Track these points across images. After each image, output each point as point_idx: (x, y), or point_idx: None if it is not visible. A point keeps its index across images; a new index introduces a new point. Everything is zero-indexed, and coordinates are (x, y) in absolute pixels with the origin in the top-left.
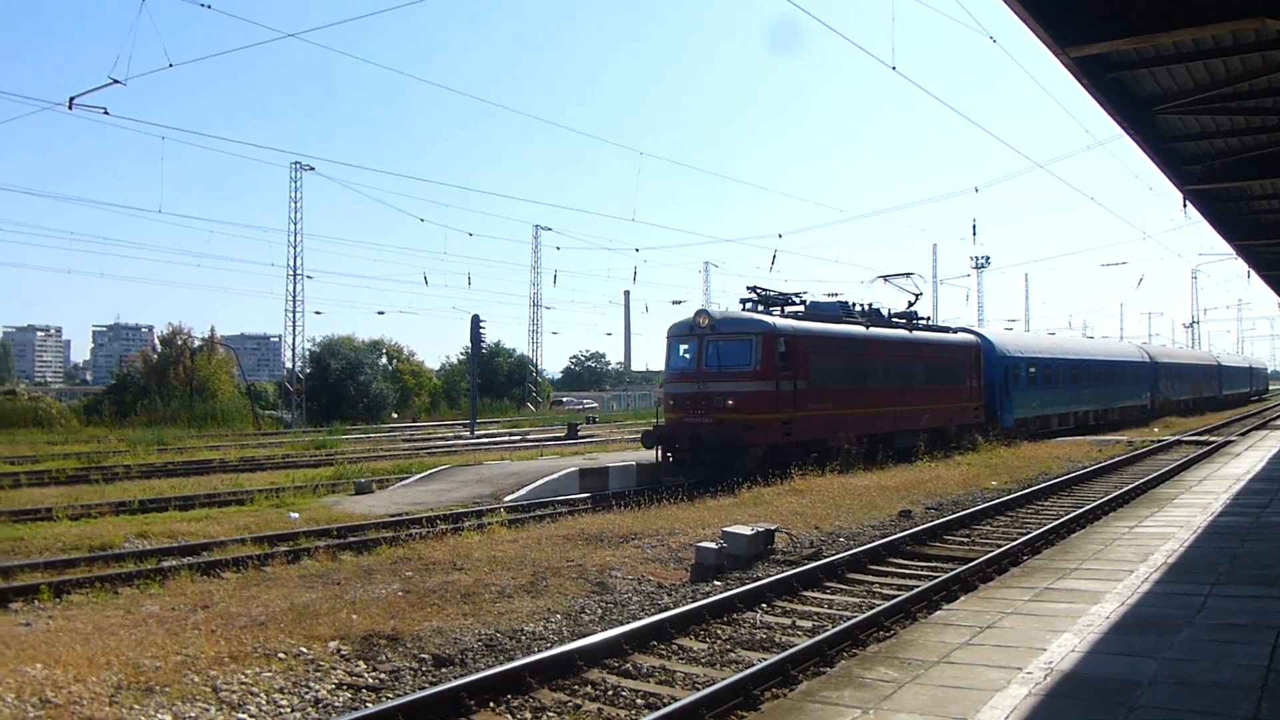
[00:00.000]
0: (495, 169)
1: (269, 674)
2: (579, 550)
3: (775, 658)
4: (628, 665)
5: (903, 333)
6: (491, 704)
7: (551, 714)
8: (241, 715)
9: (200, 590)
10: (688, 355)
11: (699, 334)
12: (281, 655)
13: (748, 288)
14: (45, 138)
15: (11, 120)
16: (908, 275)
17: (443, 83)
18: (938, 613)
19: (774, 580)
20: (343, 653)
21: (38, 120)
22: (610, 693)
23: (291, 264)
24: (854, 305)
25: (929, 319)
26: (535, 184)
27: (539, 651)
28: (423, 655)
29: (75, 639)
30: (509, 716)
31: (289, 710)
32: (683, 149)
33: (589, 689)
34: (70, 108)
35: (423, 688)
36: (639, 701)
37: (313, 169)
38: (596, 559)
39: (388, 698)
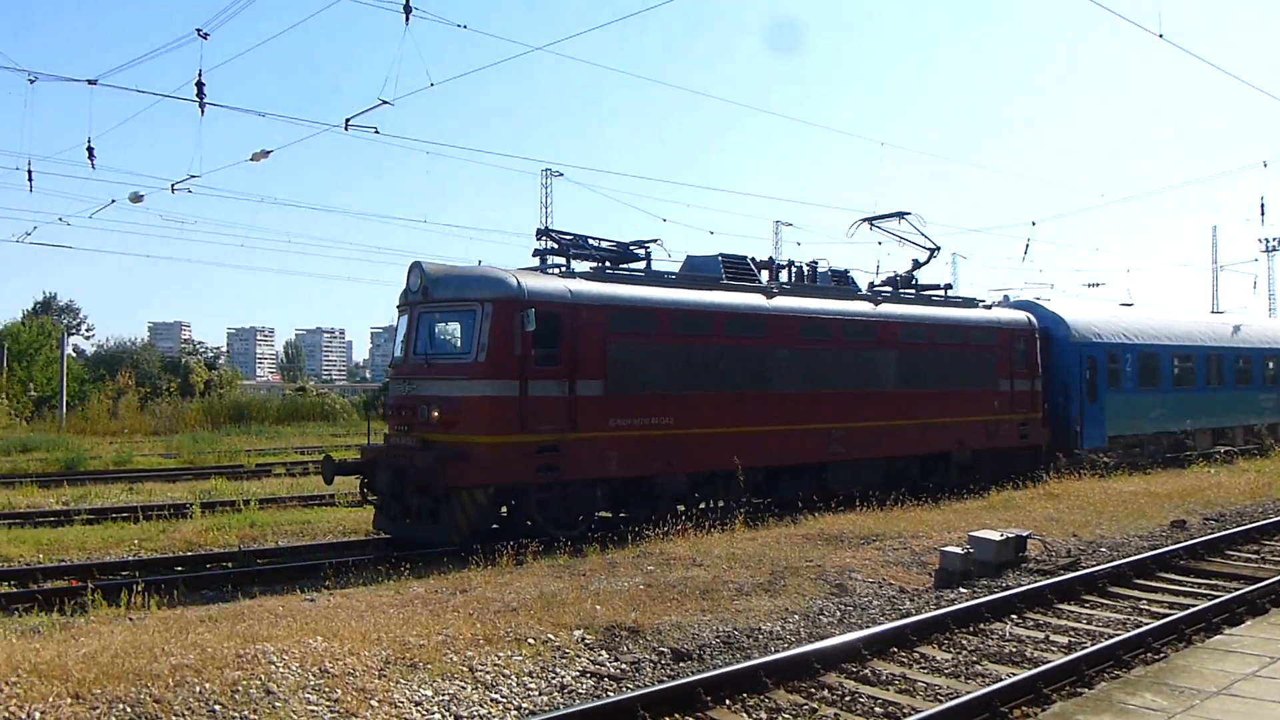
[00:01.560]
0: (739, 167)
1: (519, 658)
2: (818, 550)
3: (1026, 674)
4: (866, 671)
5: (857, 306)
6: (727, 701)
7: (786, 715)
8: (495, 695)
9: (459, 576)
10: (400, 338)
11: (412, 303)
12: (531, 640)
13: (537, 231)
14: (323, 157)
15: (296, 142)
16: (900, 217)
17: (689, 86)
18: (1217, 637)
19: (1026, 590)
20: (587, 641)
21: (318, 141)
22: (847, 698)
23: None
24: (804, 267)
25: (949, 287)
26: (776, 180)
27: (776, 651)
28: (662, 648)
29: (351, 615)
30: (744, 715)
31: (537, 693)
32: (923, 135)
33: (825, 693)
34: (346, 129)
35: (661, 680)
36: (877, 710)
37: (561, 174)
38: (836, 560)
39: (628, 688)
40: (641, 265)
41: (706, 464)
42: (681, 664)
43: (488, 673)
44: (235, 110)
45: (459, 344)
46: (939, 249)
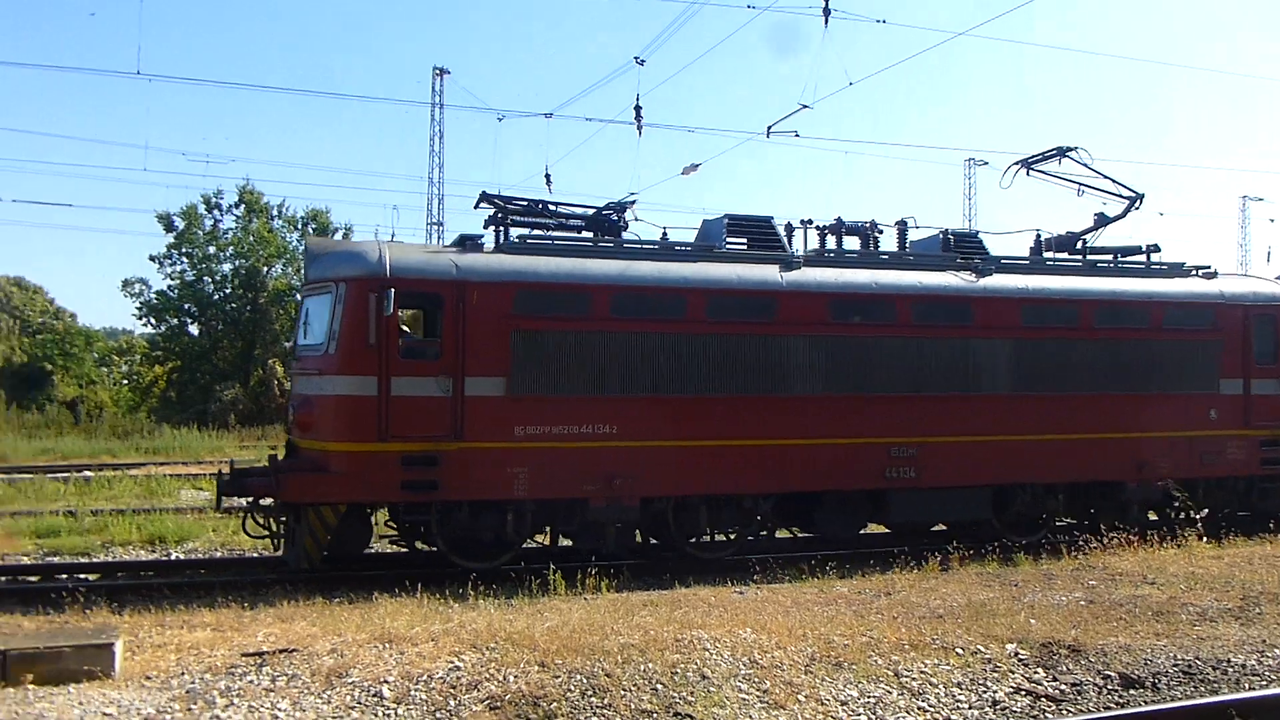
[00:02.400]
0: (1192, 135)
1: (947, 667)
2: None
3: None
4: None
5: (935, 279)
6: None
7: None
8: (921, 703)
9: (884, 578)
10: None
11: (300, 286)
12: (959, 650)
13: (481, 195)
14: (747, 165)
15: (722, 153)
16: (1060, 154)
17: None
18: None
19: None
20: (1020, 656)
21: (742, 150)
22: None
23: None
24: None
25: (1154, 249)
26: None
27: (1252, 689)
28: (1108, 671)
29: (778, 610)
30: None
31: (966, 706)
32: None
33: None
34: (768, 135)
35: (1108, 707)
36: None
37: (986, 163)
38: None
39: (1069, 711)
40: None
41: (675, 487)
42: (1131, 691)
43: (914, 679)
44: (668, 128)
45: (319, 333)
46: (1140, 197)
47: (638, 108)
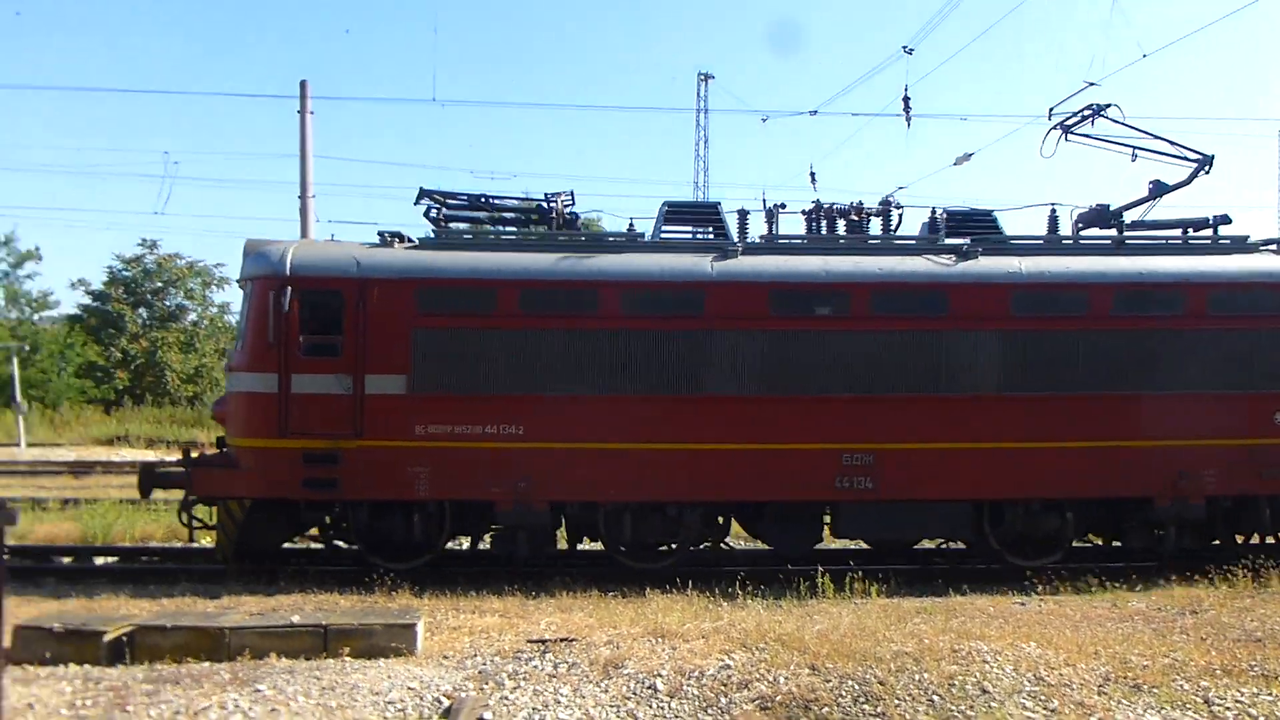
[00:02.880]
0: None
1: (1269, 697)
2: None
3: None
4: None
5: (901, 265)
6: None
7: None
8: None
9: (1187, 593)
10: None
11: None
12: None
13: (419, 191)
14: (1026, 152)
15: (997, 141)
16: (1094, 114)
17: None
18: None
19: None
20: None
21: (1024, 133)
22: None
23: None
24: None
25: (1222, 222)
26: None
27: None
28: None
29: (1064, 624)
30: None
31: None
32: None
33: None
34: (1049, 118)
35: None
36: None
37: None
38: None
39: None
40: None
41: (588, 492)
42: None
43: (1228, 709)
44: (938, 117)
45: (238, 332)
46: (1208, 160)
47: (906, 98)
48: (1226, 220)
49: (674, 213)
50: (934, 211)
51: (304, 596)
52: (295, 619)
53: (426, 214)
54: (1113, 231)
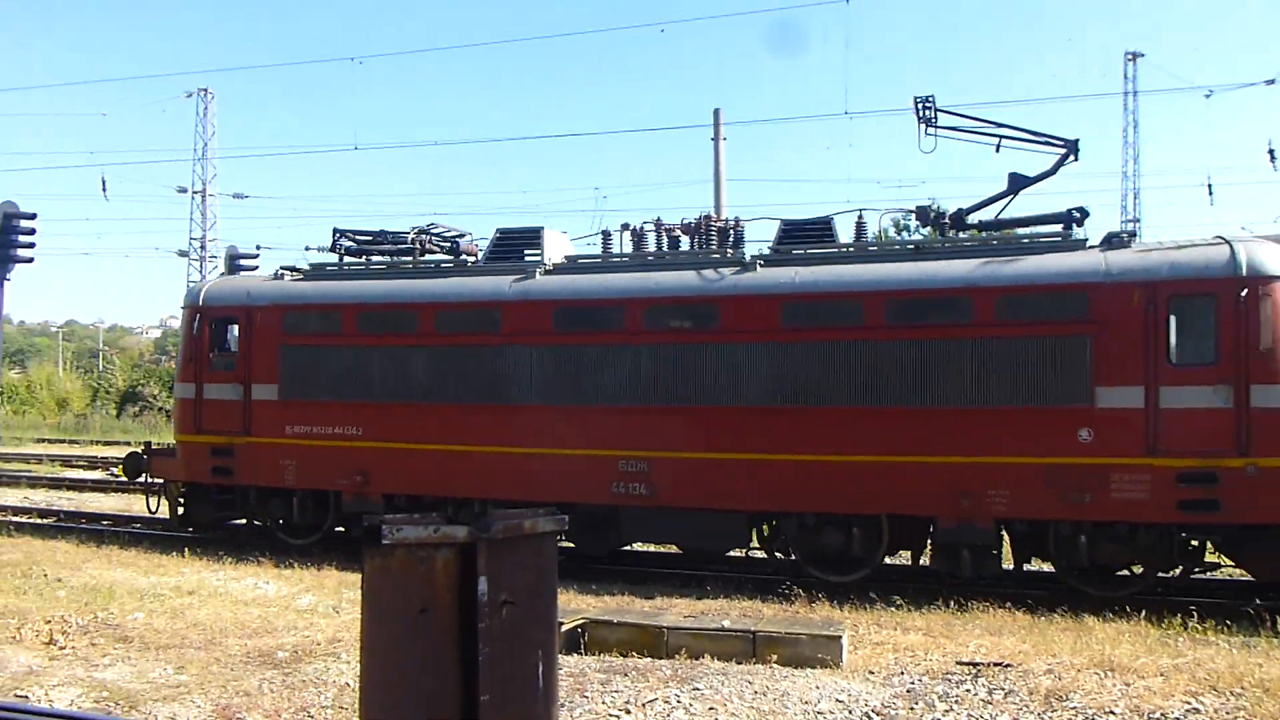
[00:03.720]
0: None
1: None
2: None
3: None
4: None
5: (682, 279)
6: None
7: None
8: None
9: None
10: None
11: None
12: None
13: (333, 231)
14: None
15: None
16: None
17: None
18: None
19: None
20: None
21: None
22: None
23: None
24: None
25: (1075, 219)
26: None
27: None
28: None
29: None
30: None
31: None
32: None
33: None
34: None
35: None
36: None
37: None
38: None
39: None
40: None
41: (412, 487)
42: None
43: None
44: None
45: None
46: (1073, 146)
47: None
48: (1082, 215)
49: (501, 240)
50: (714, 221)
51: (729, 602)
52: (726, 623)
53: (333, 248)
54: (960, 233)
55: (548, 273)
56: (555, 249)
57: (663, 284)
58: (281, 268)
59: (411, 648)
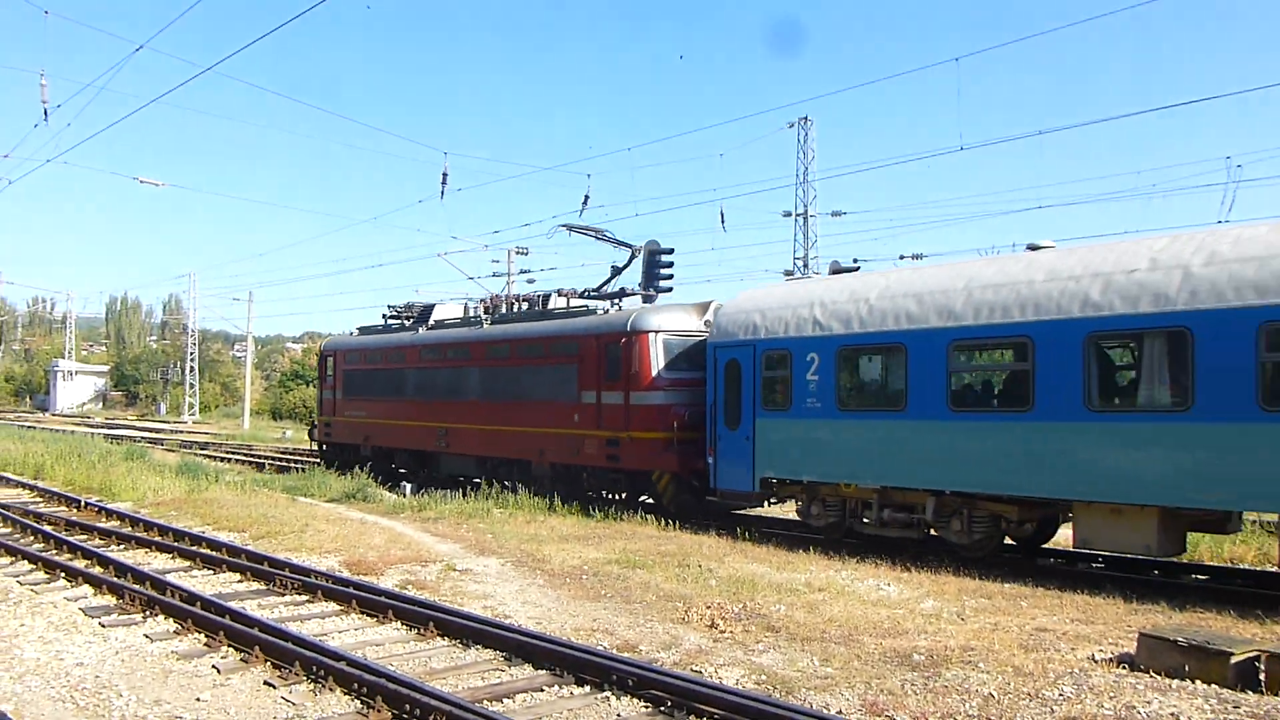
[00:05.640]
0: None
1: None
2: None
3: None
4: None
5: (462, 332)
6: None
7: None
8: None
9: None
10: None
11: None
12: None
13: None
14: None
15: None
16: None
17: None
18: None
19: None
20: None
21: None
22: None
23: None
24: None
25: (619, 295)
26: None
27: None
28: None
29: None
30: None
31: None
32: None
33: None
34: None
35: None
36: None
37: None
38: None
39: None
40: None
41: (389, 443)
42: None
43: None
44: None
45: None
46: (635, 250)
47: None
48: (629, 292)
49: (418, 311)
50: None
51: None
52: None
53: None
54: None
55: (430, 329)
56: (443, 313)
57: (450, 335)
58: (359, 327)
59: None
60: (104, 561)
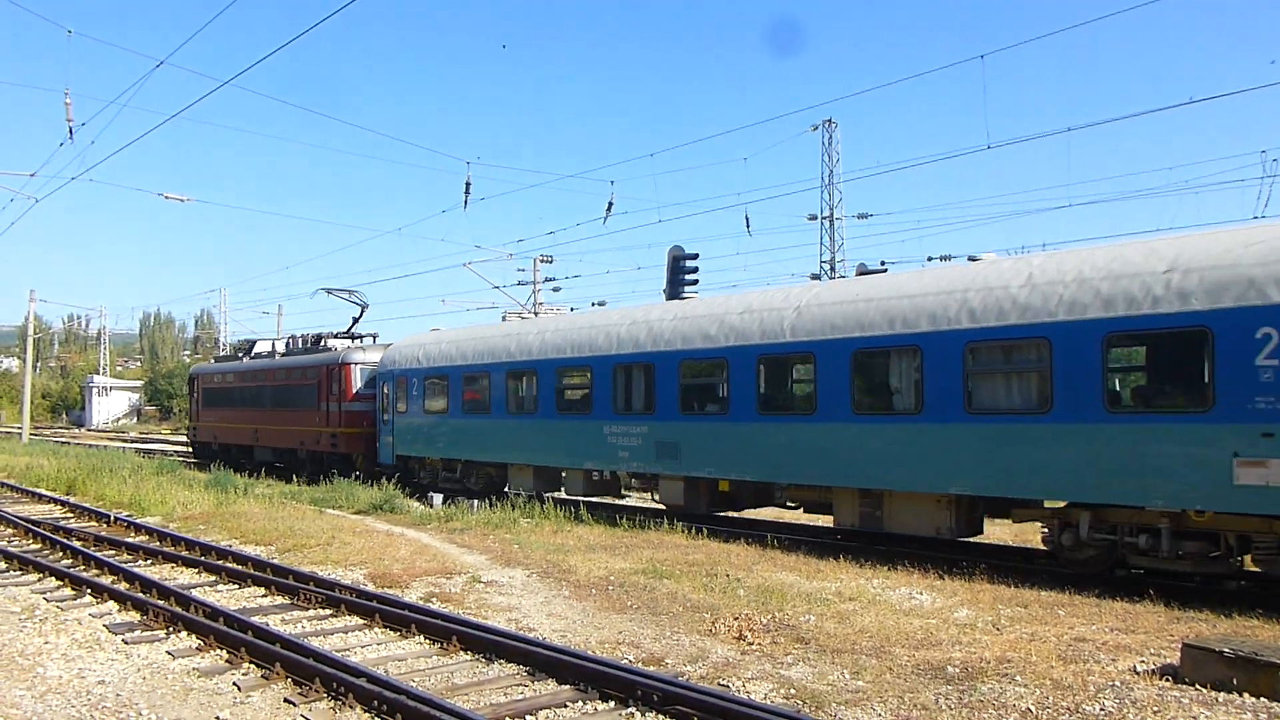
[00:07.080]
0: None
1: None
2: None
3: None
4: None
5: (265, 363)
6: None
7: None
8: None
9: None
10: None
11: None
12: None
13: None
14: None
15: None
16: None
17: None
18: None
19: None
20: None
21: None
22: None
23: None
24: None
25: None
26: None
27: None
28: None
29: None
30: None
31: None
32: None
33: None
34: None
35: None
36: None
37: None
38: None
39: None
40: None
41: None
42: None
43: None
44: None
45: None
46: (365, 305)
47: None
48: (374, 337)
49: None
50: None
51: None
52: None
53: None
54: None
55: (250, 359)
56: (261, 347)
57: (259, 364)
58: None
59: None
60: (130, 577)
